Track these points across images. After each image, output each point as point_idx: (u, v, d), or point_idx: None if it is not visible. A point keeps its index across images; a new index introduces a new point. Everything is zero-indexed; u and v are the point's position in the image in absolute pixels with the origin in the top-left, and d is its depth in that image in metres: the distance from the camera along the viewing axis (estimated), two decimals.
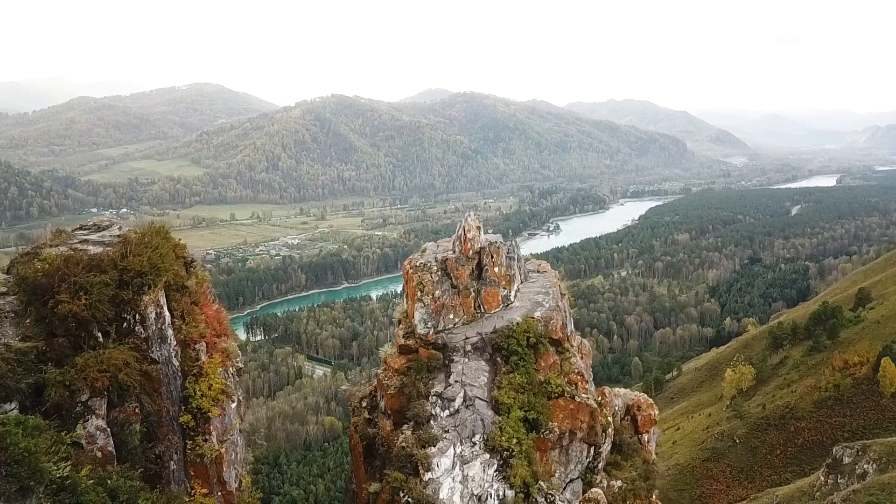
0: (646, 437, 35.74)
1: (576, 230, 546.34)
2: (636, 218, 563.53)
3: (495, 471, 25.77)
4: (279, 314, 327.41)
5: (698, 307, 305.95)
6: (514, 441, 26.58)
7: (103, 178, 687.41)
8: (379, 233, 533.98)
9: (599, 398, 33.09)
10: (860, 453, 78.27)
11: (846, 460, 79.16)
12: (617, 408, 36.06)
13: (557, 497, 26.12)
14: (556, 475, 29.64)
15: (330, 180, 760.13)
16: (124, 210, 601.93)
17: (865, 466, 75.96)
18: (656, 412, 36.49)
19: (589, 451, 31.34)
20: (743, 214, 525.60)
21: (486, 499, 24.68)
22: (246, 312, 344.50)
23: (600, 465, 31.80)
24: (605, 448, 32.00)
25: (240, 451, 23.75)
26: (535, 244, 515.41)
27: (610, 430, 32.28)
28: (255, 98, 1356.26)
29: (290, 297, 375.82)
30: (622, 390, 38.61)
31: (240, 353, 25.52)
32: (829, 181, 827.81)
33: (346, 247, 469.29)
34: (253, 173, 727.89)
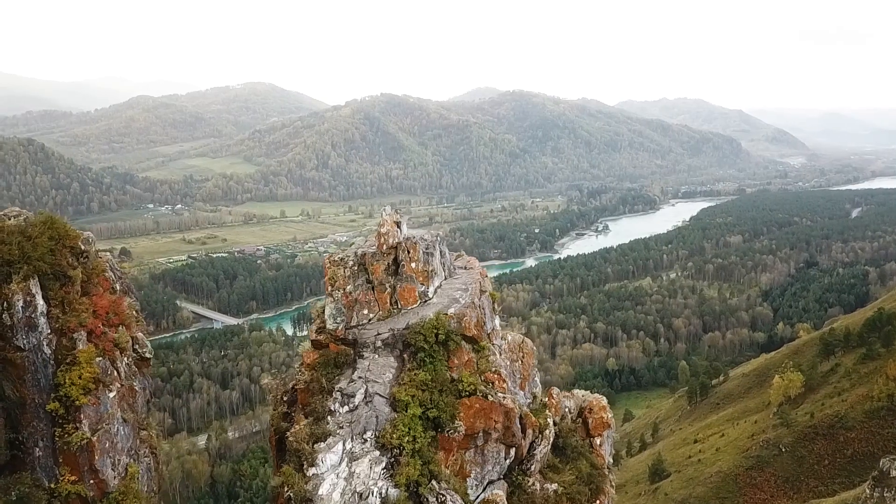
0: (598, 440, 33.73)
1: (625, 230, 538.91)
2: (687, 219, 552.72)
3: (383, 468, 24.81)
4: None
5: (750, 311, 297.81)
6: (407, 439, 25.57)
7: (160, 174, 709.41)
8: (434, 232, 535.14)
9: (546, 399, 31.05)
10: None
11: (894, 473, 74.46)
12: (567, 409, 34.19)
13: (449, 497, 24.73)
14: (472, 476, 28.39)
15: (378, 178, 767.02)
16: (179, 206, 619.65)
17: None
18: (610, 415, 34.34)
19: (508, 453, 29.94)
20: (799, 217, 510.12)
21: (369, 496, 23.66)
22: (294, 308, 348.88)
23: (533, 468, 30.33)
24: (541, 450, 30.49)
25: (121, 440, 23.09)
26: (583, 244, 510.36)
27: (548, 431, 30.50)
28: (306, 97, 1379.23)
29: None
30: (580, 392, 36.57)
31: (148, 344, 24.76)
32: (894, 183, 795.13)
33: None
34: (303, 171, 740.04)
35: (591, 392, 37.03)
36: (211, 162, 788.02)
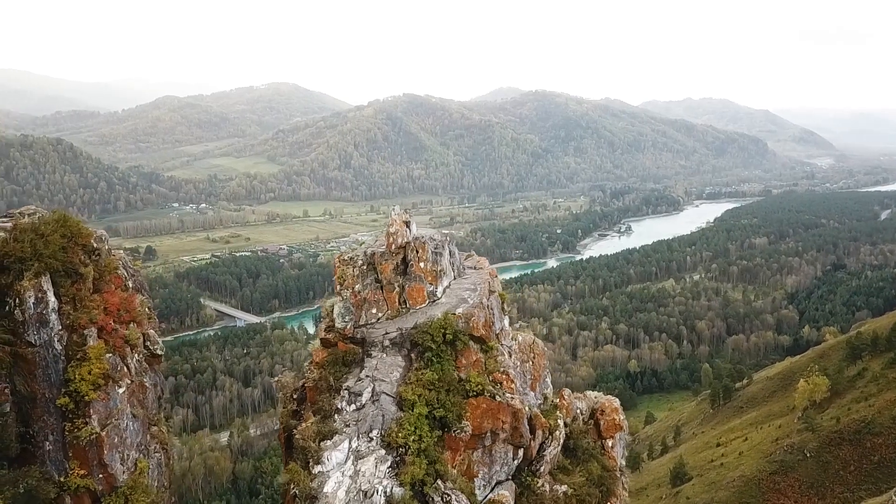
0: (609, 442, 33.38)
1: (648, 231, 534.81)
2: (711, 220, 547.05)
3: (388, 467, 24.88)
4: None
5: (775, 314, 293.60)
6: (413, 438, 25.56)
7: (185, 174, 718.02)
8: (446, 231, 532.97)
9: (557, 400, 30.84)
10: None
11: None
12: (579, 411, 33.92)
13: (454, 497, 24.66)
14: (480, 476, 28.26)
15: (400, 178, 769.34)
16: (203, 205, 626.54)
17: None
18: (622, 417, 33.93)
19: (516, 453, 29.77)
20: (827, 218, 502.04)
21: (373, 495, 23.71)
22: (316, 306, 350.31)
23: (543, 469, 30.13)
24: (551, 451, 30.30)
25: (130, 435, 23.53)
26: (605, 245, 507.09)
27: (558, 432, 30.22)
28: (329, 97, 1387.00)
29: None
30: (592, 393, 36.21)
31: (159, 341, 25.34)
32: None
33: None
34: (326, 171, 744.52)
35: (604, 394, 36.64)
36: (235, 161, 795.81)
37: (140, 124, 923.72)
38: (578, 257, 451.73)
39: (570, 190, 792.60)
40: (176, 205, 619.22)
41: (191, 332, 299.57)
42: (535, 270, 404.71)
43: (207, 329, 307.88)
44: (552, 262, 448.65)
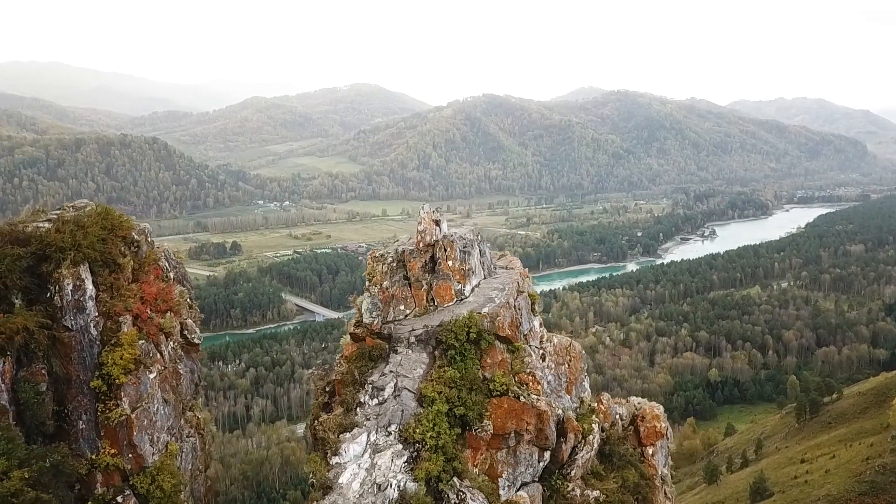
0: (650, 450, 32.10)
1: (733, 236, 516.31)
2: (802, 226, 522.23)
3: (405, 462, 25.08)
4: None
5: (871, 326, 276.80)
6: (430, 434, 25.71)
7: (270, 172, 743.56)
8: (522, 232, 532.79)
9: (595, 404, 29.95)
10: None
11: None
12: (618, 416, 32.85)
13: (469, 495, 24.61)
14: (504, 476, 28.10)
15: (477, 179, 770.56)
16: (287, 203, 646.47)
17: None
18: (664, 424, 32.57)
19: (542, 455, 29.36)
20: None
21: (387, 488, 23.92)
22: None
23: (574, 473, 29.56)
24: (583, 455, 29.77)
25: (161, 419, 24.74)
26: (688, 249, 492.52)
27: (592, 437, 29.31)
28: (409, 98, 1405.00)
29: None
30: (635, 399, 34.85)
31: (197, 331, 26.79)
32: None
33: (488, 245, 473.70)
34: (405, 171, 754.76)
35: (648, 400, 35.19)
36: (318, 161, 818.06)
37: (229, 124, 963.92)
38: (659, 261, 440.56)
39: (651, 192, 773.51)
40: (261, 202, 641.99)
41: (272, 326, 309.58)
42: (614, 274, 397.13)
43: (287, 323, 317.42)
44: (632, 266, 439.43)
